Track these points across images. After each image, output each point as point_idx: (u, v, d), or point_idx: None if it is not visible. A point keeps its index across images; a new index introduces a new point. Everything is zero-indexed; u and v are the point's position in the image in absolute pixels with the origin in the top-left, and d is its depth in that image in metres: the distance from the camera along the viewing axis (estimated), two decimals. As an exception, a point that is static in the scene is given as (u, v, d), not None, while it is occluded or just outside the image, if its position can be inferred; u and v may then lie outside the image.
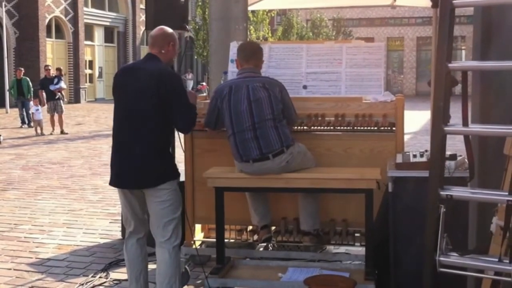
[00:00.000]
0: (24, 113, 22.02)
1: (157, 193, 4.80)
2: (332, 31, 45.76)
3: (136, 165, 4.77)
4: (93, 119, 25.71)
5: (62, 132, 19.79)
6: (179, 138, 5.63)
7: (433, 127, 3.50)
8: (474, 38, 4.37)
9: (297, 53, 6.16)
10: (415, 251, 4.39)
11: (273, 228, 6.00)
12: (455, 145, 6.51)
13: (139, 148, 4.73)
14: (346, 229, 5.89)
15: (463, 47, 45.24)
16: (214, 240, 5.56)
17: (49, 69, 21.05)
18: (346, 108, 5.71)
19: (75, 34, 35.68)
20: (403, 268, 4.64)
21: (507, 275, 3.24)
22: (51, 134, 19.57)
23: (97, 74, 39.14)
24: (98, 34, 39.49)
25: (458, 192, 3.49)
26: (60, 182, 11.37)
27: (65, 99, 21.65)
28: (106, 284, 5.90)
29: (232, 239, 6.19)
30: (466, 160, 4.26)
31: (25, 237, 7.53)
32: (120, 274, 6.10)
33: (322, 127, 5.75)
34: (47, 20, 33.42)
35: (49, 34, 34.05)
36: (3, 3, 29.53)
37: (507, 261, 3.24)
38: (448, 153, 4.46)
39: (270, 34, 36.75)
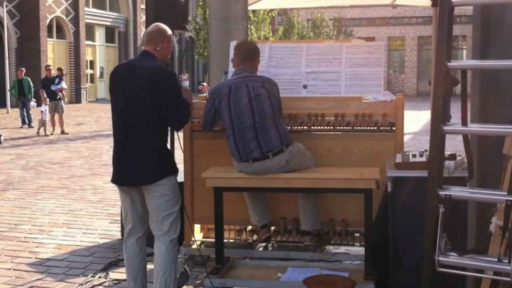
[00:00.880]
0: (25, 113, 22.01)
1: (156, 188, 4.82)
2: (333, 30, 45.76)
3: (135, 162, 4.80)
4: (94, 119, 25.72)
5: (62, 132, 19.78)
6: (178, 139, 5.62)
7: (432, 126, 3.48)
8: (473, 37, 4.36)
9: (297, 53, 6.15)
10: (414, 251, 4.37)
11: (272, 228, 5.99)
12: (455, 146, 6.49)
13: (136, 145, 4.78)
14: (346, 229, 5.87)
15: (464, 47, 45.22)
16: (213, 240, 5.56)
17: (50, 69, 21.06)
18: (345, 107, 5.70)
19: (76, 34, 35.69)
20: (403, 268, 4.62)
21: (507, 275, 3.22)
22: (51, 134, 19.56)
23: (98, 74, 39.16)
24: (99, 34, 39.50)
25: (457, 192, 3.48)
26: (60, 182, 11.36)
27: (66, 99, 21.61)
28: (106, 284, 5.89)
29: (231, 239, 6.18)
30: (466, 160, 4.24)
31: (24, 237, 7.53)
32: (120, 274, 6.09)
33: (321, 127, 5.73)
34: (48, 20, 33.43)
35: (50, 34, 34.07)
36: (4, 3, 29.56)
37: (506, 261, 3.23)
38: (447, 153, 4.46)
39: (271, 34, 36.75)
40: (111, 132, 4.98)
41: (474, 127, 3.66)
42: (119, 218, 7.57)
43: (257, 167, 5.27)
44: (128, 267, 5.02)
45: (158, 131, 4.84)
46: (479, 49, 4.20)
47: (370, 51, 5.99)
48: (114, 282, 5.93)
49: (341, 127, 5.68)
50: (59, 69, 21.57)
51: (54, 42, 34.72)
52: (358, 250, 5.92)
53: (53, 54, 34.40)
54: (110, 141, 5.02)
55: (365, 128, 5.62)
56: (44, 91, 20.03)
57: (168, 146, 5.13)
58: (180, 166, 5.53)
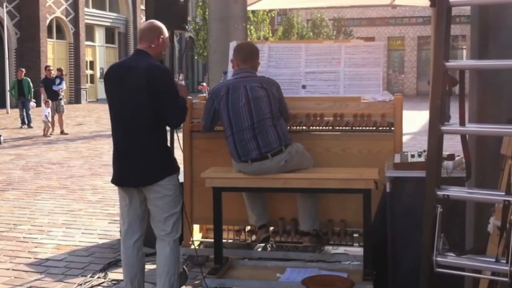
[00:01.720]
0: (25, 114, 22.00)
1: (158, 189, 4.79)
2: (333, 31, 45.73)
3: (135, 163, 4.79)
4: (94, 119, 25.71)
5: (62, 132, 19.76)
6: (178, 139, 5.62)
7: (430, 126, 3.48)
8: (471, 37, 4.35)
9: (296, 53, 6.15)
10: (413, 251, 4.37)
11: (271, 228, 5.99)
12: (454, 146, 6.49)
13: (136, 146, 4.76)
14: (345, 229, 5.87)
15: (463, 46, 45.20)
16: (212, 240, 5.56)
17: (50, 70, 21.06)
18: (344, 107, 5.71)
19: (76, 34, 35.67)
20: (401, 268, 4.62)
21: (504, 275, 3.22)
22: (51, 134, 19.55)
23: (98, 74, 39.12)
24: (99, 35, 39.48)
25: (455, 192, 3.48)
26: (59, 182, 11.36)
27: (65, 100, 21.57)
28: (104, 284, 5.89)
29: (230, 239, 6.19)
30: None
31: (24, 237, 7.53)
32: (118, 274, 6.07)
33: (320, 127, 5.74)
34: (48, 21, 33.41)
35: (50, 35, 34.05)
36: (4, 4, 29.55)
37: (504, 261, 3.23)
38: (446, 153, 4.45)
39: (270, 34, 36.71)
40: (111, 132, 4.97)
41: (472, 127, 3.66)
42: (118, 219, 7.56)
43: (256, 167, 5.27)
44: (125, 269, 4.98)
45: (157, 130, 4.81)
46: (477, 49, 4.20)
47: (369, 51, 5.99)
48: (113, 282, 5.92)
49: (340, 127, 5.69)
50: (59, 70, 21.57)
51: (54, 42, 34.71)
52: (357, 250, 5.92)
53: (53, 54, 34.37)
54: (110, 141, 5.00)
55: (364, 128, 5.63)
56: (44, 90, 20.01)
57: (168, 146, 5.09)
58: (180, 166, 5.54)
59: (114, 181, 4.99)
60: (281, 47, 6.29)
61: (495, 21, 4.05)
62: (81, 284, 5.85)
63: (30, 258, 6.70)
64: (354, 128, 5.66)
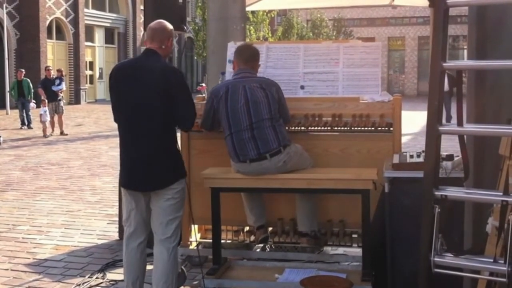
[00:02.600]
0: (24, 114, 21.99)
1: (167, 192, 4.74)
2: (333, 31, 45.73)
3: (147, 167, 4.69)
4: (93, 120, 25.71)
5: (62, 133, 19.73)
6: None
7: (428, 127, 3.48)
8: (469, 37, 4.35)
9: (295, 53, 6.15)
10: (411, 251, 4.36)
11: (270, 229, 5.98)
12: (454, 146, 6.48)
13: (148, 148, 4.66)
14: (344, 230, 5.87)
15: (464, 47, 45.16)
16: (211, 240, 5.55)
17: (50, 70, 21.04)
18: (343, 108, 5.70)
19: (76, 35, 35.66)
20: (400, 269, 4.61)
21: (502, 275, 3.22)
22: (51, 135, 19.53)
23: (97, 75, 39.13)
24: (99, 35, 39.48)
25: (452, 192, 3.47)
26: (58, 183, 11.35)
27: (65, 100, 21.53)
28: (103, 284, 5.88)
29: (229, 239, 6.18)
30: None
31: (23, 238, 7.52)
32: (117, 275, 6.08)
33: (319, 128, 5.73)
34: (47, 22, 33.41)
35: (49, 35, 34.05)
36: (4, 5, 29.54)
37: (502, 261, 3.22)
38: (445, 153, 4.45)
39: (270, 35, 36.71)
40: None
41: (470, 128, 3.65)
42: (117, 219, 7.57)
43: (255, 167, 5.27)
44: (128, 272, 4.91)
45: (170, 133, 4.76)
46: (475, 49, 4.20)
47: (367, 51, 5.99)
48: (111, 283, 5.92)
49: (339, 128, 5.69)
50: (59, 70, 21.54)
51: (53, 43, 34.70)
52: (356, 251, 5.91)
53: (52, 55, 34.37)
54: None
55: (362, 128, 5.62)
56: (43, 90, 20.01)
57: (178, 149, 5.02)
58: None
59: (124, 184, 4.86)
60: (279, 47, 6.29)
61: (493, 21, 4.05)
62: (79, 285, 5.84)
63: (29, 258, 6.70)
64: (353, 128, 5.65)
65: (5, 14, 30.26)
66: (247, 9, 8.96)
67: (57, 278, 6.06)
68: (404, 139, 5.59)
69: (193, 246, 6.04)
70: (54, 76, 20.67)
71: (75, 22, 35.64)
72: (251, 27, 33.88)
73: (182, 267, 5.76)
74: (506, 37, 3.93)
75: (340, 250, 6.21)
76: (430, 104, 3.46)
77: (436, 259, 3.43)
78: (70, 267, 6.40)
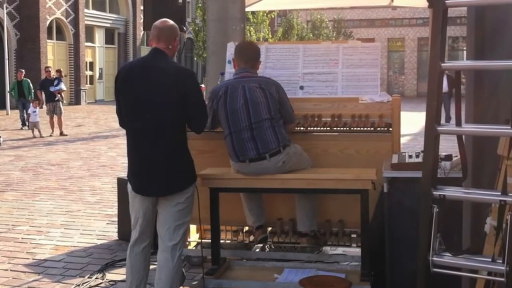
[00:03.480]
0: (25, 115, 21.98)
1: (178, 196, 4.66)
2: (333, 32, 45.74)
3: (160, 171, 4.59)
4: (93, 120, 25.70)
5: (61, 133, 19.73)
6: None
7: (427, 127, 3.49)
8: (467, 38, 4.36)
9: (294, 54, 6.16)
10: (410, 251, 4.36)
11: (269, 229, 5.99)
12: (454, 147, 6.49)
13: (162, 152, 4.56)
14: (343, 230, 5.87)
15: (464, 48, 45.18)
16: (210, 241, 5.56)
17: (50, 71, 21.03)
18: (342, 108, 5.71)
19: (76, 35, 35.68)
20: (399, 269, 4.62)
21: (501, 275, 3.22)
22: (50, 135, 19.53)
23: (97, 75, 39.13)
24: (99, 36, 39.48)
25: (451, 192, 3.48)
26: (58, 183, 11.36)
27: (65, 101, 21.45)
28: (102, 285, 5.88)
29: (228, 240, 6.19)
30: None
31: (22, 238, 7.52)
32: (116, 275, 6.09)
33: (318, 128, 5.74)
34: (48, 22, 33.43)
35: (50, 36, 34.06)
36: (4, 5, 29.56)
37: (500, 261, 3.23)
38: (444, 153, 4.46)
39: (270, 35, 36.71)
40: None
41: (468, 128, 3.66)
42: (117, 219, 7.58)
43: (254, 167, 5.28)
44: (131, 275, 4.84)
45: (182, 135, 4.68)
46: (473, 49, 4.21)
47: (366, 52, 6.00)
48: (111, 283, 5.92)
49: (338, 128, 5.70)
50: (58, 71, 21.51)
51: (54, 43, 34.71)
52: (355, 251, 5.92)
53: (53, 55, 34.37)
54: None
55: (361, 129, 5.63)
56: (42, 92, 20.01)
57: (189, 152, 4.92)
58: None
59: (135, 189, 4.71)
60: (278, 47, 6.29)
61: (492, 22, 4.06)
62: (79, 285, 5.84)
63: (28, 258, 6.70)
64: (352, 129, 5.66)
65: (5, 14, 30.28)
66: (247, 9, 8.96)
67: (56, 279, 6.06)
68: (403, 140, 5.60)
69: (191, 246, 6.05)
70: (54, 77, 20.65)
71: (75, 23, 35.66)
72: (251, 28, 33.87)
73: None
74: (505, 38, 3.94)
75: (339, 250, 6.24)
76: (429, 104, 3.47)
77: (434, 258, 3.43)
78: (69, 267, 6.40)
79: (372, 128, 5.60)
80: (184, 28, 6.63)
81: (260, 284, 5.34)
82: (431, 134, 3.46)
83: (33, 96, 22.26)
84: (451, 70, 3.55)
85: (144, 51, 36.90)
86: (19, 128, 21.87)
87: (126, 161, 4.87)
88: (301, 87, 6.02)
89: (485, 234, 3.70)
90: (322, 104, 5.77)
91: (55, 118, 19.90)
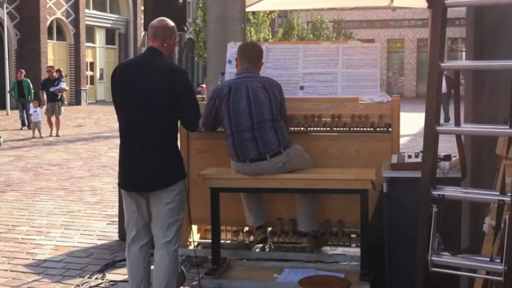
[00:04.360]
0: (25, 115, 21.98)
1: (166, 194, 4.68)
2: (333, 33, 45.75)
3: (147, 167, 4.64)
4: (94, 121, 25.70)
5: (57, 135, 19.61)
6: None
7: (426, 127, 3.50)
8: (467, 38, 4.37)
9: (294, 54, 6.17)
10: (410, 251, 4.37)
11: (269, 229, 6.00)
12: (454, 147, 6.50)
13: (150, 149, 4.61)
14: (342, 230, 5.88)
15: (463, 49, 45.17)
16: (210, 241, 5.56)
17: (52, 71, 20.97)
18: (342, 108, 5.72)
19: (76, 36, 35.69)
20: (398, 269, 4.62)
21: (499, 274, 3.23)
22: (50, 135, 19.52)
23: (98, 75, 39.15)
24: (99, 36, 39.50)
25: (450, 191, 3.49)
26: (58, 183, 11.36)
27: (66, 102, 21.31)
28: (102, 285, 5.88)
29: (228, 240, 6.19)
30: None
31: (22, 238, 7.53)
32: (116, 275, 6.10)
33: (318, 128, 5.75)
34: (48, 22, 33.45)
35: (50, 36, 34.07)
36: (5, 5, 29.57)
37: (499, 260, 3.24)
38: (443, 153, 4.47)
39: (270, 36, 36.71)
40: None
41: (467, 128, 3.67)
42: (117, 220, 7.58)
43: (254, 168, 5.28)
44: (131, 275, 4.87)
45: (172, 133, 4.72)
46: (472, 49, 4.22)
47: (366, 52, 6.01)
48: (111, 283, 5.92)
49: (338, 128, 5.71)
50: (58, 71, 21.43)
51: (54, 43, 34.72)
52: (355, 251, 5.93)
53: (53, 56, 34.39)
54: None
55: (361, 129, 5.64)
56: (44, 92, 19.98)
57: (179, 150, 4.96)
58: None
59: (123, 186, 4.80)
60: (278, 48, 6.30)
61: (491, 22, 4.07)
62: (79, 285, 5.84)
63: (28, 259, 6.70)
64: (351, 129, 5.67)
65: (5, 14, 30.29)
66: (247, 9, 8.97)
67: (56, 279, 6.06)
68: (403, 140, 5.61)
69: (191, 246, 6.05)
70: (56, 76, 20.62)
71: (75, 23, 35.67)
72: (252, 29, 33.89)
73: (182, 267, 5.77)
74: (504, 38, 3.95)
75: (339, 250, 6.25)
76: (428, 104, 3.48)
77: (433, 258, 3.44)
78: (69, 267, 6.41)
79: (371, 128, 5.61)
80: (185, 28, 6.62)
81: (260, 284, 5.34)
82: (430, 134, 3.47)
83: (33, 96, 22.24)
84: (450, 70, 3.56)
85: (145, 51, 36.86)
86: (19, 128, 21.87)
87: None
88: (301, 87, 6.03)
89: (484, 234, 3.71)
90: (322, 104, 5.78)
91: (54, 118, 19.84)
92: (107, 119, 25.25)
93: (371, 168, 5.21)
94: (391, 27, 48.60)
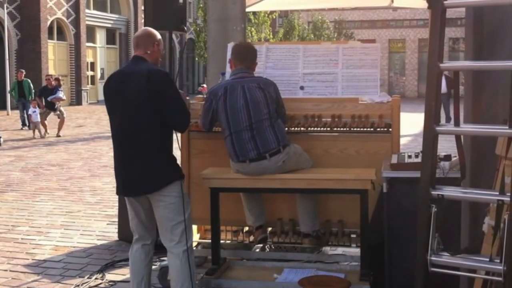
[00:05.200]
0: (25, 115, 21.97)
1: (162, 197, 4.67)
2: (334, 33, 45.74)
3: (137, 171, 4.66)
4: (94, 121, 25.71)
5: (57, 135, 19.61)
6: (177, 139, 5.60)
7: (425, 127, 3.49)
8: (466, 38, 4.37)
9: (294, 54, 6.17)
10: (409, 251, 4.37)
11: (269, 229, 5.99)
12: (454, 148, 6.49)
13: (138, 153, 4.64)
14: (342, 230, 5.88)
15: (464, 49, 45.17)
16: (210, 241, 5.56)
17: (50, 79, 20.90)
18: (342, 109, 5.71)
19: (77, 36, 35.68)
20: (398, 269, 4.62)
21: (498, 274, 3.22)
22: (47, 134, 19.50)
23: (98, 75, 39.15)
24: (100, 36, 39.50)
25: (449, 191, 3.48)
26: (58, 184, 11.36)
27: (61, 104, 21.08)
28: (102, 285, 5.88)
29: (228, 240, 6.19)
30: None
31: (22, 239, 7.53)
32: (116, 275, 6.10)
33: (318, 128, 5.75)
34: (48, 22, 33.45)
35: (50, 36, 34.05)
36: (5, 5, 29.57)
37: (498, 260, 3.23)
38: (443, 153, 4.46)
39: (271, 36, 36.71)
40: (112, 140, 4.88)
41: (467, 128, 3.67)
42: (117, 220, 7.58)
43: (254, 167, 5.28)
44: (132, 273, 4.90)
45: (160, 137, 4.71)
46: (472, 50, 4.21)
47: (366, 52, 6.01)
48: (110, 283, 5.92)
49: (338, 128, 5.70)
50: (56, 80, 21.28)
51: (54, 43, 34.71)
52: (355, 251, 5.92)
53: (53, 56, 34.38)
54: (110, 143, 4.93)
55: (361, 129, 5.63)
56: (41, 98, 19.97)
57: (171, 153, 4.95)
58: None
59: (119, 191, 4.90)
60: (279, 48, 6.30)
61: (490, 22, 4.07)
62: (78, 285, 5.84)
63: (28, 259, 6.70)
64: (352, 129, 5.67)
65: (6, 15, 30.29)
66: (248, 10, 8.97)
67: (56, 279, 6.06)
68: (404, 141, 5.61)
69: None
70: (55, 85, 20.55)
71: (76, 23, 35.66)
72: (253, 29, 33.89)
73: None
74: (504, 38, 3.94)
75: (339, 250, 6.24)
76: (427, 104, 3.48)
77: (432, 258, 3.44)
78: (69, 267, 6.41)
79: (372, 129, 5.61)
80: (185, 28, 6.61)
81: (260, 284, 5.34)
82: (430, 134, 3.46)
83: (33, 96, 22.25)
84: (449, 70, 3.55)
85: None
86: (20, 128, 21.88)
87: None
88: (301, 87, 6.03)
89: (483, 234, 3.71)
90: (322, 104, 5.77)
91: (57, 120, 19.88)
92: (108, 119, 25.11)
93: (371, 168, 5.21)
94: (392, 27, 48.58)
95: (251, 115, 5.29)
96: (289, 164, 5.33)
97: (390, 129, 5.58)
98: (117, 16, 40.27)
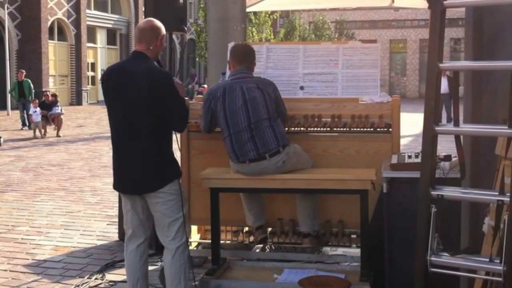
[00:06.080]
0: (25, 115, 21.98)
1: (159, 195, 4.67)
2: (335, 33, 45.73)
3: (136, 170, 4.66)
4: (95, 121, 25.70)
5: (57, 135, 19.64)
6: (177, 139, 5.59)
7: (425, 127, 3.49)
8: (466, 38, 4.37)
9: (294, 54, 6.16)
10: (409, 251, 4.35)
11: (269, 229, 5.99)
12: (454, 148, 6.49)
13: (137, 152, 4.63)
14: (343, 230, 5.87)
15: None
16: (210, 241, 5.56)
17: (48, 95, 20.92)
18: (342, 109, 5.71)
19: (78, 36, 35.66)
20: (398, 269, 4.61)
21: (498, 275, 3.22)
22: (45, 134, 19.52)
23: (99, 76, 39.08)
24: (101, 36, 39.49)
25: (449, 192, 3.48)
26: (59, 184, 11.36)
27: (66, 103, 21.11)
28: (102, 285, 5.88)
29: (228, 240, 6.19)
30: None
31: (22, 239, 7.52)
32: (116, 275, 6.09)
33: (318, 128, 5.74)
34: (49, 22, 33.43)
35: (51, 36, 34.02)
36: (6, 5, 29.57)
37: (498, 261, 3.23)
38: (443, 154, 4.46)
39: (272, 36, 36.70)
40: (110, 137, 4.87)
41: (466, 128, 3.66)
42: (117, 220, 7.58)
43: (254, 168, 5.28)
44: (128, 273, 4.90)
45: (159, 136, 4.69)
46: (471, 50, 4.21)
47: (366, 52, 6.01)
48: (110, 283, 5.92)
49: (338, 128, 5.70)
50: (54, 95, 21.23)
51: (55, 44, 34.68)
52: (355, 251, 5.92)
53: (54, 56, 34.36)
54: (110, 143, 4.93)
55: (361, 129, 5.63)
56: (35, 102, 20.02)
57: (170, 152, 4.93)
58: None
59: (116, 187, 4.91)
60: (279, 48, 6.30)
61: (490, 22, 4.06)
62: (78, 285, 5.84)
63: (28, 259, 6.70)
64: (352, 129, 5.66)
65: (6, 15, 30.27)
66: (248, 10, 8.97)
67: (56, 279, 6.06)
68: (405, 141, 5.61)
69: (192, 246, 6.05)
70: (51, 100, 20.55)
71: (77, 23, 35.64)
72: (254, 29, 33.89)
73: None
74: (503, 38, 3.94)
75: (339, 250, 6.23)
76: (427, 104, 3.47)
77: (432, 258, 3.43)
78: (69, 268, 6.40)
79: (372, 129, 5.61)
80: (186, 28, 6.61)
81: (259, 285, 5.34)
82: (429, 134, 3.46)
83: (33, 96, 22.24)
84: (449, 70, 3.55)
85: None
86: (20, 128, 21.88)
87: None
88: (301, 87, 6.02)
89: (483, 234, 3.70)
90: (322, 104, 5.77)
91: (56, 120, 19.89)
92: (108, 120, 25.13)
93: (371, 169, 5.20)
94: (393, 28, 48.56)
95: (250, 115, 5.29)
96: (289, 164, 5.33)
97: (390, 129, 5.57)
98: (117, 16, 40.26)
